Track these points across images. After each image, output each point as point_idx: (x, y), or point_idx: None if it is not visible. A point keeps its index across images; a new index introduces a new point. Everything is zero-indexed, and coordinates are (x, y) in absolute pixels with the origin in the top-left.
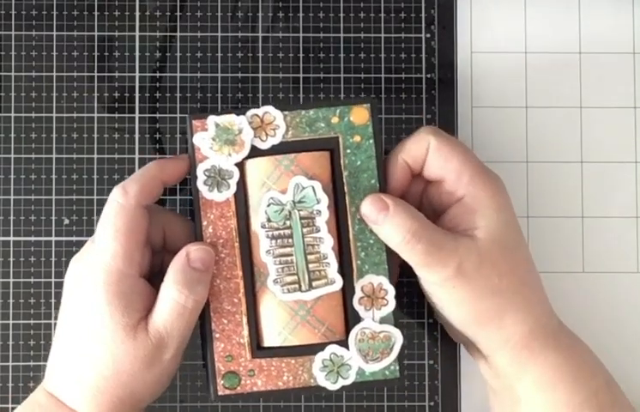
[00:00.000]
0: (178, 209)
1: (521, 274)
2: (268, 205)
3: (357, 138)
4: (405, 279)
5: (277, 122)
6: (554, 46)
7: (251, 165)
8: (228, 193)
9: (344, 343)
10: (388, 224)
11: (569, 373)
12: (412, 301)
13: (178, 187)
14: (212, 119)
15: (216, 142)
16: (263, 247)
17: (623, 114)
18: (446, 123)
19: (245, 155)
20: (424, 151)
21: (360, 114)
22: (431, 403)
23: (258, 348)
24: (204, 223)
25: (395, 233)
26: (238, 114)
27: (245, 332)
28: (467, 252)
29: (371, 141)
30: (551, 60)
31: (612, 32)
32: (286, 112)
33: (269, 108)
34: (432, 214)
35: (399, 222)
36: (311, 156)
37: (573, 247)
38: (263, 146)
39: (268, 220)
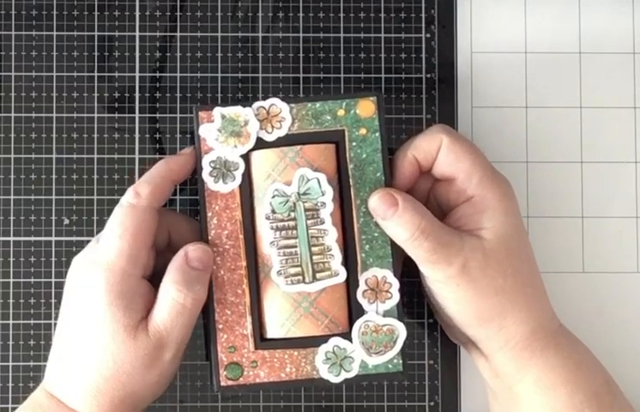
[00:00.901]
0: (178, 208)
1: (524, 275)
2: (273, 197)
3: (363, 131)
4: (405, 279)
5: (283, 114)
6: (554, 46)
7: (257, 156)
8: (233, 184)
9: (347, 336)
10: (396, 220)
11: (569, 374)
12: (412, 301)
13: (178, 187)
14: (218, 111)
15: (222, 133)
16: (267, 238)
17: (623, 114)
18: (446, 123)
19: (251, 147)
20: (435, 149)
21: (367, 107)
22: (431, 403)
23: (261, 340)
24: (209, 214)
25: (403, 229)
26: (244, 106)
27: (248, 323)
28: (473, 252)
29: (377, 134)
30: (551, 60)
31: (612, 32)
32: (293, 105)
33: (275, 100)
34: (439, 211)
35: (407, 219)
36: (317, 148)
37: (573, 247)
38: (269, 138)
39: (273, 211)
